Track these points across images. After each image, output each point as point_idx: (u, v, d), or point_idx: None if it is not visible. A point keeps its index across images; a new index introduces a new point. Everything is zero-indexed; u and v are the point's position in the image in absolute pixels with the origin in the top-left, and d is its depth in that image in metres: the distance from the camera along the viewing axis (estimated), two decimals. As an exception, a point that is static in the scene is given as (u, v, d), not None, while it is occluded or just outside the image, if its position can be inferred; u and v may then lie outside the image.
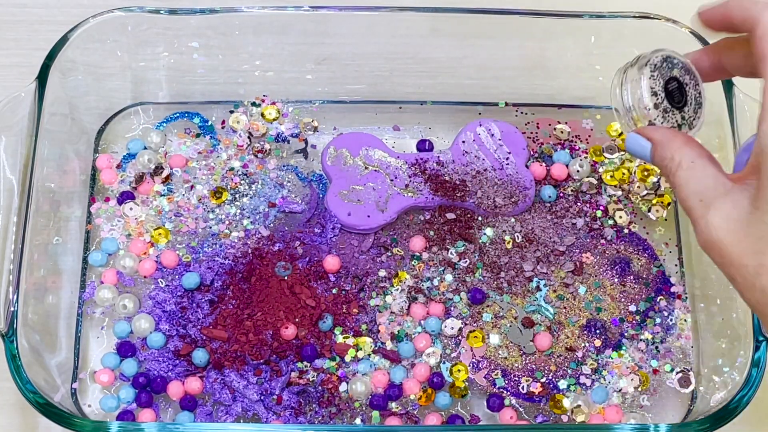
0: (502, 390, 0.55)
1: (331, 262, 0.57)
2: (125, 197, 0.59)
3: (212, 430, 0.52)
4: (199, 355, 0.54)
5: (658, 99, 0.45)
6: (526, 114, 0.63)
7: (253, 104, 0.62)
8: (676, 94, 0.46)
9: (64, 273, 0.57)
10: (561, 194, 0.60)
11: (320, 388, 0.54)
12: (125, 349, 0.55)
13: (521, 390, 0.55)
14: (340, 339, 0.55)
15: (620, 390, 0.55)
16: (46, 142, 0.54)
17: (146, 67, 0.61)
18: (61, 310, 0.56)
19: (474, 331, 0.56)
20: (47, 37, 0.57)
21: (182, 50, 0.60)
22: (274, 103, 0.61)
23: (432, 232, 0.58)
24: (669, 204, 0.60)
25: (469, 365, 0.55)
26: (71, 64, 0.57)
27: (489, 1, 0.60)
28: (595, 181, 0.60)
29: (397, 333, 0.56)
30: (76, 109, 0.59)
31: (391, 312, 0.56)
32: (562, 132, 0.62)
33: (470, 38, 0.61)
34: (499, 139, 0.60)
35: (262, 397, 0.54)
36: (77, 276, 0.57)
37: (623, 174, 0.60)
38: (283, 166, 0.60)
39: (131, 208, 0.58)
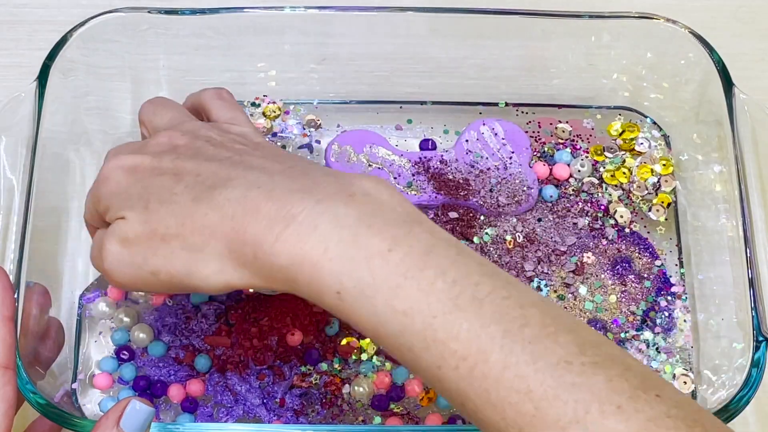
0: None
1: None
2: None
3: (212, 431, 0.52)
4: (202, 362, 0.54)
5: None
6: (526, 114, 0.63)
7: (253, 104, 0.62)
8: None
9: (64, 273, 0.57)
10: (563, 194, 0.60)
11: (323, 390, 0.54)
12: (124, 354, 0.55)
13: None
14: (344, 341, 0.55)
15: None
16: (46, 142, 0.54)
17: (146, 67, 0.61)
18: (61, 310, 0.56)
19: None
20: (47, 37, 0.57)
21: (182, 50, 0.60)
22: (274, 102, 0.61)
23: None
24: (669, 204, 0.60)
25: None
26: (71, 64, 0.57)
27: (489, 1, 0.60)
28: (597, 181, 0.60)
29: None
30: (76, 109, 0.59)
31: None
32: (563, 131, 0.62)
33: (470, 38, 0.61)
34: (503, 138, 0.60)
35: (264, 401, 0.54)
36: (77, 276, 0.57)
37: (624, 174, 0.60)
38: None
39: None
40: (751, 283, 0.51)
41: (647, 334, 0.56)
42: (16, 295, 0.49)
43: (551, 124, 0.62)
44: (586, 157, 0.61)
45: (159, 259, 0.43)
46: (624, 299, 0.57)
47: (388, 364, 0.55)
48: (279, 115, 0.61)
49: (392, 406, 0.54)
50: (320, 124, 0.62)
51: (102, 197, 0.45)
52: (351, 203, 0.40)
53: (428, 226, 0.40)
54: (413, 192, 0.59)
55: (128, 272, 0.43)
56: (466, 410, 0.38)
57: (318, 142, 0.61)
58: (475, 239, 0.58)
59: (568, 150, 0.61)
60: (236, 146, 0.46)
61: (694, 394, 0.55)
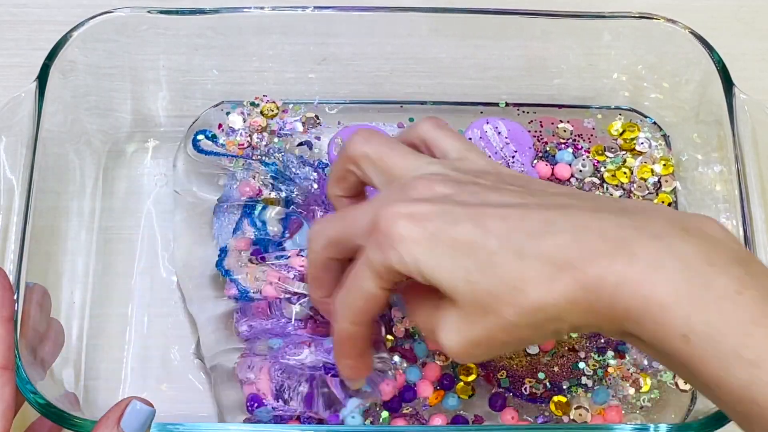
0: (505, 390, 0.55)
1: None
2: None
3: (212, 430, 0.52)
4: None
5: None
6: (527, 113, 0.63)
7: (252, 104, 0.61)
8: None
9: (64, 273, 0.57)
10: (563, 194, 0.60)
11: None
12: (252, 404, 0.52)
13: (524, 391, 0.55)
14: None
15: (621, 391, 0.55)
16: (46, 142, 0.54)
17: (146, 67, 0.61)
18: (61, 310, 0.56)
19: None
20: (47, 37, 0.57)
21: (182, 50, 0.60)
22: (273, 102, 0.61)
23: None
24: (669, 204, 0.60)
25: (478, 365, 0.55)
26: (71, 64, 0.57)
27: (489, 1, 0.60)
28: (598, 181, 0.60)
29: (411, 330, 0.56)
30: (76, 109, 0.59)
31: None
32: (564, 131, 0.62)
33: (470, 38, 0.61)
34: (506, 138, 0.60)
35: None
36: (77, 276, 0.57)
37: (624, 173, 0.60)
38: (289, 155, 0.60)
39: None
40: (752, 283, 0.51)
41: (647, 334, 0.56)
42: (16, 296, 0.49)
43: (552, 123, 0.62)
44: (587, 157, 0.61)
45: (505, 336, 0.40)
46: (624, 299, 0.57)
47: (404, 363, 0.55)
48: (277, 113, 0.61)
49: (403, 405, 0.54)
50: (320, 122, 0.61)
51: (408, 262, 0.40)
52: (688, 239, 0.38)
53: (763, 265, 0.38)
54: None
55: (480, 356, 0.42)
56: None
57: (318, 138, 0.61)
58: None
59: (570, 150, 0.61)
60: (501, 185, 0.42)
61: (694, 394, 0.55)
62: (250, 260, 0.55)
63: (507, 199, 0.41)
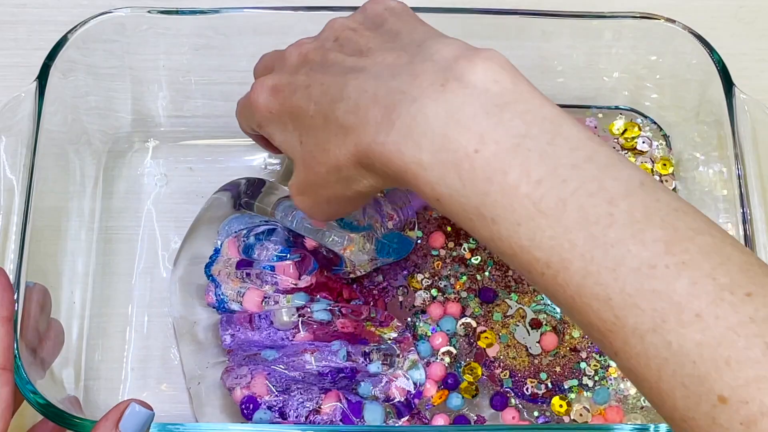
0: (507, 391, 0.55)
1: None
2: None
3: (212, 430, 0.52)
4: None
5: None
6: (530, 112, 0.63)
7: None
8: None
9: (64, 273, 0.57)
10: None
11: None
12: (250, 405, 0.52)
13: (526, 392, 0.55)
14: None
15: (622, 391, 0.55)
16: (46, 142, 0.54)
17: (146, 67, 0.61)
18: (61, 310, 0.55)
19: (485, 331, 0.56)
20: (47, 37, 0.57)
21: (182, 50, 0.60)
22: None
23: (449, 227, 0.58)
24: (670, 204, 0.60)
25: (482, 365, 0.55)
26: (71, 64, 0.57)
27: (489, 1, 0.60)
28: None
29: (417, 331, 0.56)
30: (76, 109, 0.59)
31: (413, 305, 0.57)
32: (568, 129, 0.62)
33: (470, 38, 0.61)
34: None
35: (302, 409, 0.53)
36: (77, 276, 0.57)
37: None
38: None
39: None
40: (752, 282, 0.51)
41: (648, 334, 0.56)
42: (16, 296, 0.49)
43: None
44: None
45: (323, 190, 0.44)
46: (625, 299, 0.57)
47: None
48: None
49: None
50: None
51: (262, 126, 0.47)
52: (441, 97, 0.38)
53: (521, 108, 0.38)
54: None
55: (310, 205, 0.47)
56: (563, 311, 0.37)
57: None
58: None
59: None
60: (361, 37, 0.45)
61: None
62: (235, 274, 0.55)
63: (338, 60, 0.44)
